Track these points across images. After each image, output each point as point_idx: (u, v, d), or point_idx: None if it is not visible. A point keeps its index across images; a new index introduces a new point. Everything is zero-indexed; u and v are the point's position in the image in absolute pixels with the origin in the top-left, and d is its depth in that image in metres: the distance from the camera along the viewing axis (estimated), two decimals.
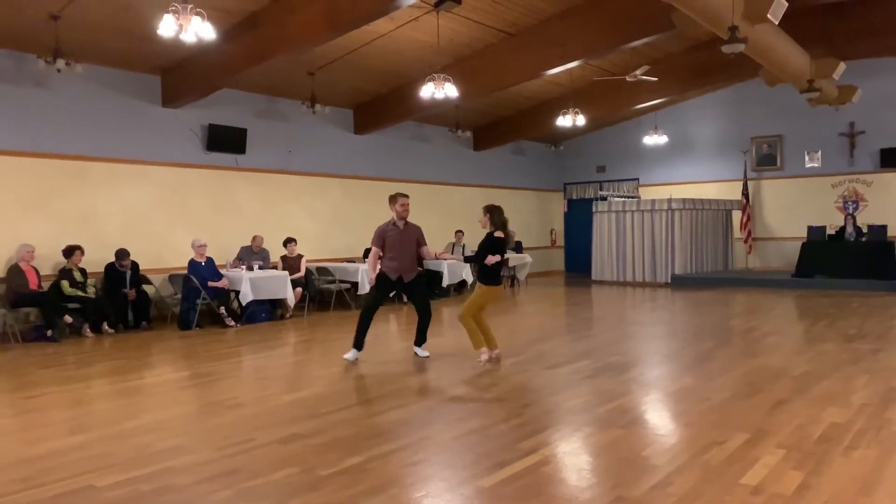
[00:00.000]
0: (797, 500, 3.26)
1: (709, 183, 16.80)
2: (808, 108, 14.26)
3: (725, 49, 8.64)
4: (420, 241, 7.02)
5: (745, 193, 16.07)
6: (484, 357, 6.58)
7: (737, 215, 16.22)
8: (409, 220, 6.98)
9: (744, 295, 12.67)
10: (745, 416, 4.71)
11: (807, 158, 15.69)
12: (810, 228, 14.19)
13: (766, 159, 16.21)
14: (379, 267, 6.98)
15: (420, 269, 12.78)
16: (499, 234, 6.56)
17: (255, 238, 11.03)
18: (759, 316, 10.10)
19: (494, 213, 6.63)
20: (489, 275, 6.59)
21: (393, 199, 6.92)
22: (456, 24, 10.25)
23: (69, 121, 9.44)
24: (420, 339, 7.06)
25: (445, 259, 6.93)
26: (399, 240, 6.89)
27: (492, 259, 6.50)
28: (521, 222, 17.27)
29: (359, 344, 6.87)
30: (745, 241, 16.15)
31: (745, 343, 7.96)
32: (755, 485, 3.44)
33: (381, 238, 6.93)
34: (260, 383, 6.23)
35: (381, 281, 6.96)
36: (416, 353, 7.04)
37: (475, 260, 6.66)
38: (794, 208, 15.70)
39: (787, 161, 15.95)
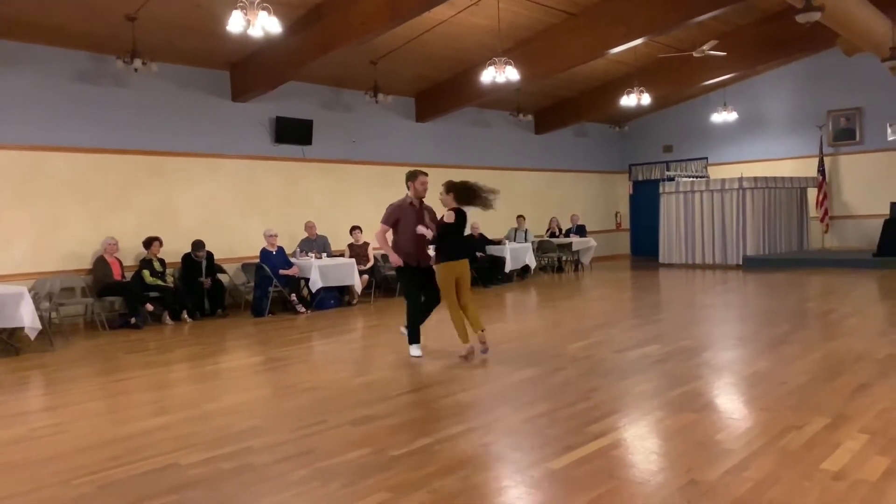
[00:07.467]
0: (883, 487, 3.14)
1: (782, 160, 16.14)
2: (890, 78, 13.48)
3: (800, 18, 8.29)
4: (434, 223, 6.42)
5: (822, 170, 15.37)
6: (462, 353, 6.17)
7: (812, 193, 15.57)
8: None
9: (821, 276, 12.18)
10: (824, 400, 4.56)
11: (889, 131, 14.87)
12: (893, 205, 13.51)
13: (844, 133, 15.47)
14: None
15: (482, 254, 13.00)
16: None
17: (307, 225, 10.93)
18: (837, 298, 9.70)
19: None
20: (443, 251, 6.22)
21: (413, 175, 6.48)
22: (516, 6, 10.16)
23: (146, 118, 9.82)
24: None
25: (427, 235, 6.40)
26: (414, 220, 6.35)
27: (422, 230, 6.26)
28: (584, 205, 17.05)
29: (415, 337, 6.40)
30: (822, 220, 15.48)
31: (824, 326, 7.67)
32: (837, 470, 3.34)
33: (395, 217, 6.40)
34: (331, 367, 6.39)
35: (406, 273, 6.46)
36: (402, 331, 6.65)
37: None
38: (876, 184, 14.92)
39: (867, 135, 15.18)
